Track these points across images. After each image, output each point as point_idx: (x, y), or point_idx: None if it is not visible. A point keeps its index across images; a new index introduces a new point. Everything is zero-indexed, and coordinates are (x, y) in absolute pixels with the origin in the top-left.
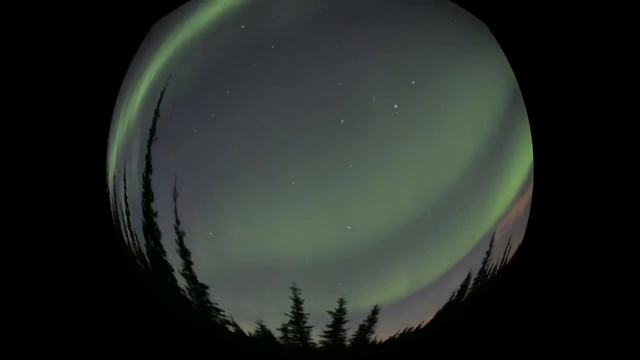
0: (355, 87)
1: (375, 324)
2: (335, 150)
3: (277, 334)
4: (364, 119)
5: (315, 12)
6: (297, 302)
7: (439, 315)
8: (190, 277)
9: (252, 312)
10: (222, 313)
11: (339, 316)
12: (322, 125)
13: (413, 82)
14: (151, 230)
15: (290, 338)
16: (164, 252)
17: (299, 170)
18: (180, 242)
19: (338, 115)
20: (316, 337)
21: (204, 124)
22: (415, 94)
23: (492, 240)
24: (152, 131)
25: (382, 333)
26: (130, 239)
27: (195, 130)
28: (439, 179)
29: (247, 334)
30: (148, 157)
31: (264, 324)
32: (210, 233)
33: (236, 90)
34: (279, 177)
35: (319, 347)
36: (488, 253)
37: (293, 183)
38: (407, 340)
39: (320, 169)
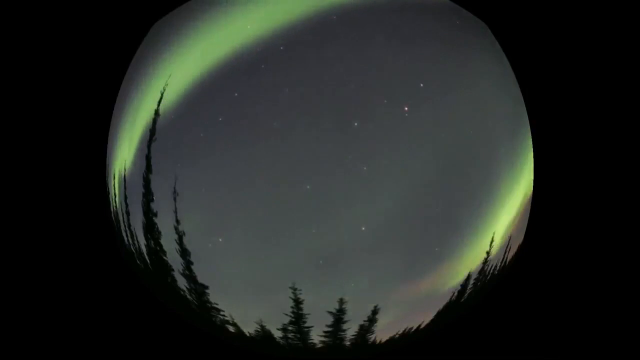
0: (365, 90)
1: (375, 324)
2: (350, 153)
3: (277, 334)
4: (376, 121)
5: (324, 14)
6: (297, 302)
7: (439, 315)
8: (190, 277)
9: (252, 312)
10: (222, 313)
11: (339, 316)
12: (336, 127)
13: (421, 85)
14: (151, 230)
15: (290, 338)
16: (164, 252)
17: (313, 173)
18: (180, 242)
19: (351, 117)
20: (316, 337)
21: (211, 126)
22: (424, 96)
23: (492, 241)
24: (152, 131)
25: (382, 333)
26: (130, 239)
27: (202, 134)
28: (446, 180)
29: (247, 334)
30: (148, 157)
31: (264, 323)
32: (213, 234)
33: (244, 92)
34: (292, 179)
35: (319, 347)
36: (488, 253)
37: (308, 187)
38: (407, 340)
39: (335, 171)
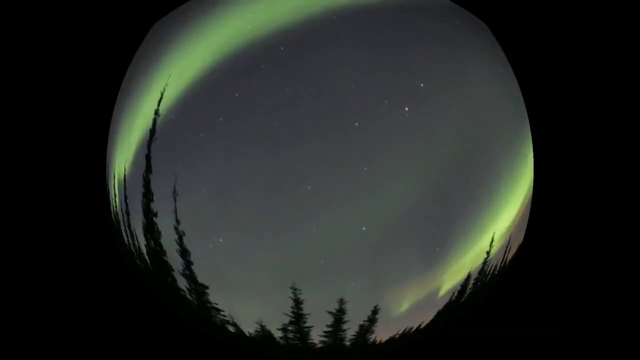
0: (365, 90)
1: (375, 324)
2: (350, 153)
3: (277, 334)
4: (376, 121)
5: (324, 14)
6: (297, 302)
7: (439, 315)
8: (190, 277)
9: (252, 312)
10: (222, 313)
11: (339, 316)
12: (336, 127)
13: (422, 85)
14: (151, 230)
15: (290, 338)
16: (164, 252)
17: (313, 173)
18: (180, 242)
19: (351, 117)
20: (316, 337)
21: (211, 127)
22: (424, 96)
23: (492, 240)
24: (152, 131)
25: (382, 333)
26: (130, 239)
27: (202, 134)
28: (446, 180)
29: (247, 334)
30: (148, 157)
31: (264, 323)
32: (214, 234)
33: (245, 93)
34: (292, 180)
35: (319, 347)
36: (488, 253)
37: (309, 187)
38: (407, 340)
39: (335, 171)
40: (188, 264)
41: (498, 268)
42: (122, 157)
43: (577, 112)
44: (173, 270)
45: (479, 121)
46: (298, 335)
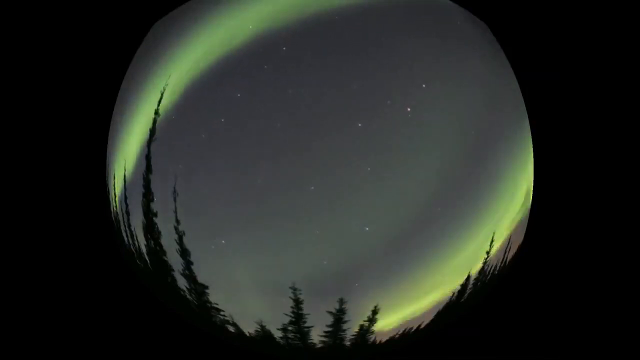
0: (368, 91)
1: (375, 324)
2: (354, 153)
3: (277, 334)
4: (379, 121)
5: (326, 15)
6: (297, 302)
7: (439, 315)
8: (190, 277)
9: (252, 312)
10: (222, 313)
11: (339, 316)
12: (339, 128)
13: (423, 86)
14: (151, 230)
15: (290, 338)
16: (164, 252)
17: (316, 174)
18: (180, 242)
19: (354, 118)
20: (316, 337)
21: (211, 127)
22: (425, 96)
23: (492, 240)
24: (152, 131)
25: (382, 333)
26: (130, 239)
27: (202, 135)
28: (447, 180)
29: (247, 334)
30: (148, 157)
31: (264, 323)
32: (214, 234)
33: (246, 93)
34: (295, 180)
35: (319, 347)
36: (488, 253)
37: (312, 188)
38: (407, 340)
39: (338, 172)
40: (188, 264)
41: (498, 268)
42: (122, 157)
43: (577, 112)
44: (173, 270)
45: (479, 121)
46: (298, 335)
